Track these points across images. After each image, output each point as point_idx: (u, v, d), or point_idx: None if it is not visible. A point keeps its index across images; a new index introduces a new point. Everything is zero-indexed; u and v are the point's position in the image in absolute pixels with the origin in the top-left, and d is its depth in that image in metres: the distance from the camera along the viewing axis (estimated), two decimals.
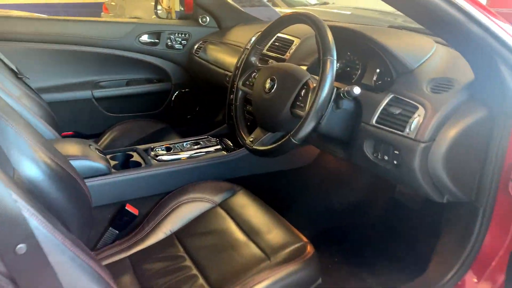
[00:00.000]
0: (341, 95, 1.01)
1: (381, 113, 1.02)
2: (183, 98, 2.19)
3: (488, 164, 0.93)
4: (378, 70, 1.13)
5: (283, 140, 1.03)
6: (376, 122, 1.02)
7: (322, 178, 1.70)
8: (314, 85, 1.01)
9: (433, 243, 1.13)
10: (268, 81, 1.11)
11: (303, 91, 1.04)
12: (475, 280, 1.02)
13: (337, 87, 1.03)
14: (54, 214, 0.75)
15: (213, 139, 1.58)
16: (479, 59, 0.89)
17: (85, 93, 1.94)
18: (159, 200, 1.28)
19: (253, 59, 1.25)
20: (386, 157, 1.02)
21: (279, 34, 1.52)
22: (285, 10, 3.21)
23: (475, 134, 0.92)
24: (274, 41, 1.52)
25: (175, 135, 1.86)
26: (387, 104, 1.02)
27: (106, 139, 1.83)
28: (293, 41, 1.43)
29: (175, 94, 2.16)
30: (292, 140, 0.99)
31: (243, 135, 1.21)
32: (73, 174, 0.94)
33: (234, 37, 1.88)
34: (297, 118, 1.02)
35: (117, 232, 1.27)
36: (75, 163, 1.19)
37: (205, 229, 1.14)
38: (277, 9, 2.30)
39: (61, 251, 0.58)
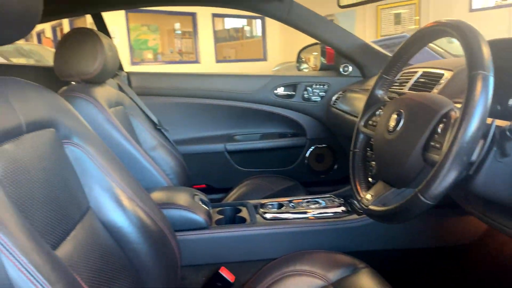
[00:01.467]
0: (507, 133, 0.65)
1: None
2: (319, 154, 1.98)
3: None
4: None
5: (408, 198, 0.69)
6: None
7: (492, 265, 1.19)
8: (458, 115, 0.67)
9: None
10: (394, 116, 0.80)
11: (441, 125, 0.70)
12: None
13: (499, 126, 0.67)
14: (133, 267, 0.75)
15: (338, 199, 1.29)
16: None
17: (218, 146, 1.92)
18: (261, 267, 1.06)
19: (379, 92, 0.96)
20: None
21: (425, 69, 1.20)
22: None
23: None
24: (419, 78, 1.20)
25: (304, 194, 1.63)
26: None
27: (234, 194, 1.74)
28: (443, 74, 1.09)
29: (310, 149, 1.96)
30: (421, 198, 0.65)
31: (360, 191, 0.90)
32: (161, 226, 0.88)
33: None
34: (432, 165, 0.68)
35: None
36: (171, 212, 1.11)
37: None
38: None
39: None
